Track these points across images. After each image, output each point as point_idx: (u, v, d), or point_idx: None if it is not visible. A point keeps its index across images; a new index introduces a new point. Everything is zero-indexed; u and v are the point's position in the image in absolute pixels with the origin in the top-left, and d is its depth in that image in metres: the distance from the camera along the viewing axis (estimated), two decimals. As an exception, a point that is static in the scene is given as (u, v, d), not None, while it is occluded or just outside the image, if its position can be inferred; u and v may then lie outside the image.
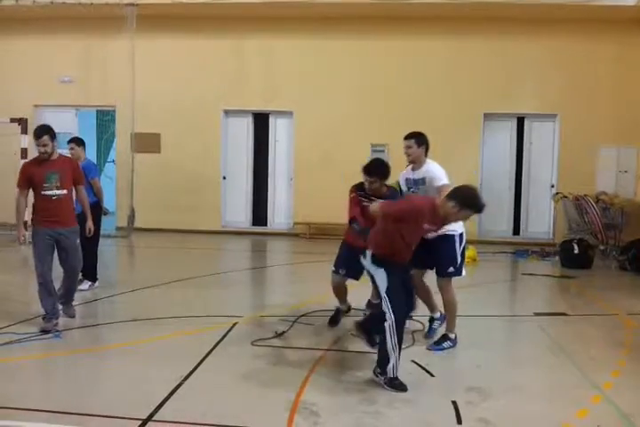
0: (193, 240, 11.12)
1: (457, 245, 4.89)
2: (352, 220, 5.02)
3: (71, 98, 11.91)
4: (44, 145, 5.12)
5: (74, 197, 5.45)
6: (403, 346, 4.98)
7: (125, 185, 11.61)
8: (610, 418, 3.75)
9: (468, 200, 4.01)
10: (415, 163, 5.05)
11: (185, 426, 3.53)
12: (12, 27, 11.69)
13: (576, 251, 9.07)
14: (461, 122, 11.05)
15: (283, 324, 5.54)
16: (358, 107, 11.43)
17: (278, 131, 12.13)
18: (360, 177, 5.12)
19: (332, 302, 5.63)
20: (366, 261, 4.23)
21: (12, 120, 10.06)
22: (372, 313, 4.66)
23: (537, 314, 6.19)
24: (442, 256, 4.89)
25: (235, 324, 5.57)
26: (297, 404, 3.83)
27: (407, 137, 5.09)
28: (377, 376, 4.15)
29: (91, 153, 12.04)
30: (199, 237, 11.42)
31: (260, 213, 12.28)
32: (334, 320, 5.47)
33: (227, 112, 12.00)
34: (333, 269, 5.32)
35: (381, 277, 4.12)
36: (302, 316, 5.78)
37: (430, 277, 5.15)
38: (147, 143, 11.74)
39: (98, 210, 6.60)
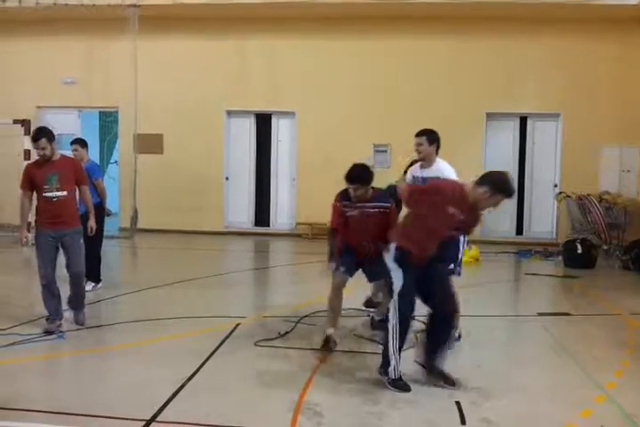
0: (196, 241, 11.13)
1: (460, 244, 4.87)
2: (334, 230, 4.98)
3: (74, 99, 11.93)
4: (43, 148, 5.10)
5: (77, 198, 5.41)
6: (405, 347, 5.02)
7: (128, 186, 11.62)
8: (613, 418, 3.74)
9: (499, 185, 3.89)
10: (425, 161, 4.95)
11: (188, 427, 3.54)
12: (14, 28, 11.72)
13: (579, 251, 9.06)
14: (464, 122, 11.04)
15: (286, 324, 5.54)
16: (360, 107, 11.43)
17: (281, 131, 12.13)
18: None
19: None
20: (388, 257, 4.12)
21: (15, 121, 10.09)
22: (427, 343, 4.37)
23: (540, 314, 6.18)
24: (444, 252, 4.79)
25: (238, 324, 5.58)
26: (300, 404, 3.83)
27: (418, 134, 4.98)
28: (381, 375, 4.15)
29: (93, 154, 12.05)
30: (202, 237, 11.43)
31: (262, 213, 12.28)
32: (327, 349, 4.85)
33: (229, 113, 12.01)
34: (334, 268, 4.99)
35: (397, 277, 4.04)
36: (305, 316, 5.78)
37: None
38: (149, 144, 11.75)
39: (101, 211, 6.61)
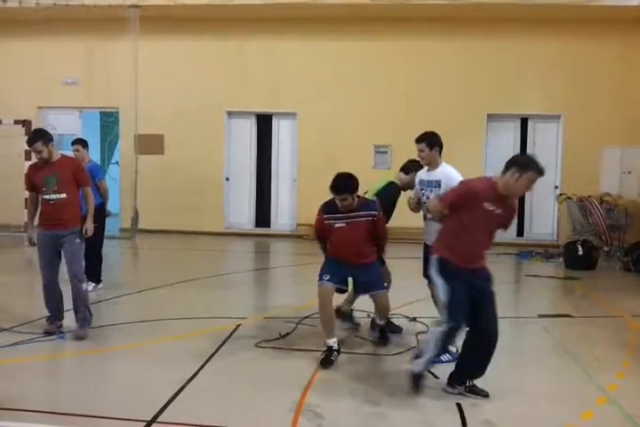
0: (196, 242, 11.13)
1: None
2: (320, 239, 4.94)
3: (75, 99, 11.94)
4: (39, 151, 5.06)
5: (80, 198, 5.31)
6: (408, 347, 5.02)
7: (129, 186, 11.62)
8: (614, 420, 3.74)
9: (524, 163, 3.81)
10: (430, 165, 4.88)
11: (189, 428, 3.54)
12: (15, 29, 11.73)
13: (580, 252, 9.05)
14: (465, 123, 11.03)
15: (286, 325, 5.53)
16: (361, 108, 11.43)
17: (281, 132, 12.13)
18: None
19: (335, 304, 5.59)
20: (431, 266, 4.00)
21: (16, 122, 10.09)
22: (461, 357, 4.21)
23: (541, 316, 6.17)
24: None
25: (238, 325, 5.57)
26: (301, 405, 3.83)
27: (418, 140, 4.86)
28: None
29: (94, 155, 12.03)
30: (202, 238, 11.42)
31: (263, 214, 12.28)
32: (329, 361, 4.60)
33: (230, 113, 12.01)
34: (318, 279, 4.75)
35: (442, 289, 3.90)
36: (306, 317, 5.76)
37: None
38: (150, 145, 11.75)
39: (102, 212, 6.61)
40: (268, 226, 12.22)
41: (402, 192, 5.33)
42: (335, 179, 4.66)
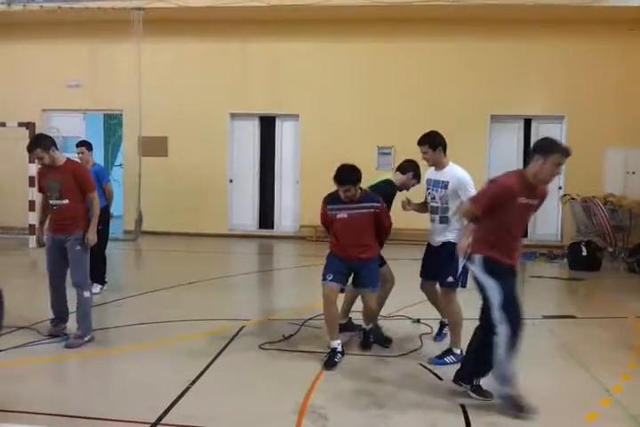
0: (200, 243, 11.15)
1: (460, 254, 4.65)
2: (326, 227, 4.95)
3: (78, 102, 11.98)
4: (40, 158, 5.03)
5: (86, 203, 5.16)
6: (411, 349, 5.01)
7: (133, 188, 11.64)
8: (619, 421, 3.73)
9: (546, 146, 3.77)
10: (437, 166, 4.81)
11: (193, 430, 3.54)
12: (20, 32, 11.77)
13: (584, 253, 9.03)
14: (468, 124, 11.02)
15: (290, 327, 5.54)
16: (364, 109, 11.44)
17: (284, 134, 12.15)
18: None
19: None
20: (476, 268, 3.87)
21: (20, 124, 10.12)
22: (467, 352, 4.13)
23: (545, 317, 6.15)
24: (441, 264, 4.71)
25: (242, 327, 5.58)
26: (305, 407, 3.83)
27: (420, 142, 4.79)
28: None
29: (98, 157, 12.10)
30: (206, 240, 11.44)
31: (266, 216, 12.29)
32: (332, 363, 4.59)
33: (233, 115, 12.03)
34: (322, 279, 4.75)
35: (493, 288, 3.77)
36: (310, 319, 5.76)
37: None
38: (154, 147, 11.78)
39: (106, 214, 6.62)
40: (272, 228, 12.22)
41: (397, 192, 5.20)
42: (339, 170, 4.67)
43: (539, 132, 11.48)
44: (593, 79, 10.94)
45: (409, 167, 5.21)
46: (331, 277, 4.70)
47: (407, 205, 5.00)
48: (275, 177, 12.20)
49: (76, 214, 5.09)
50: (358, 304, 5.22)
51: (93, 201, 5.13)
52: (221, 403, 3.93)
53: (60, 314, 5.28)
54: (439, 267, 4.75)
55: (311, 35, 11.44)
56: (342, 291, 4.88)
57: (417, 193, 5.19)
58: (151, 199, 11.56)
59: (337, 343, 4.69)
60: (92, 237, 5.07)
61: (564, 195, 10.59)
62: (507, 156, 11.48)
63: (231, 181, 12.11)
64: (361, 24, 11.14)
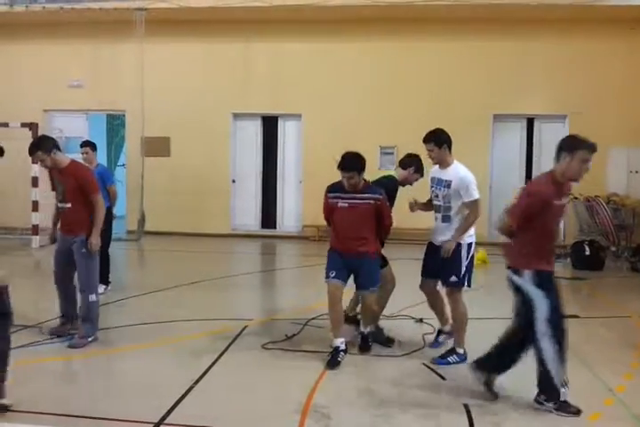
0: (203, 243, 11.16)
1: (462, 253, 4.69)
2: (328, 221, 4.94)
3: (81, 102, 11.99)
4: (41, 160, 5.02)
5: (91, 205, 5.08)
6: (414, 348, 5.01)
7: (135, 189, 11.66)
8: (622, 421, 3.73)
9: (570, 144, 3.76)
10: (441, 164, 4.78)
11: (196, 429, 3.55)
12: (22, 32, 11.80)
13: (587, 252, 9.02)
14: (470, 123, 11.00)
15: (293, 327, 5.54)
16: (367, 109, 11.43)
17: (287, 134, 12.15)
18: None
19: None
20: (525, 282, 3.78)
21: (23, 125, 10.14)
22: (497, 345, 4.02)
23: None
24: (445, 264, 4.69)
25: (245, 326, 5.59)
26: (308, 407, 3.84)
27: (425, 140, 4.74)
28: (541, 404, 3.85)
29: (101, 157, 12.07)
30: (209, 240, 11.45)
31: (269, 215, 12.30)
32: (335, 362, 4.60)
33: (235, 115, 12.04)
34: (325, 277, 4.76)
35: (541, 301, 3.72)
36: (312, 319, 5.77)
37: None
38: (156, 147, 11.79)
39: (109, 215, 6.61)
40: (275, 227, 12.23)
41: (399, 188, 5.18)
42: (343, 157, 4.67)
43: (541, 131, 11.48)
44: (596, 79, 10.91)
45: (410, 162, 5.19)
46: (334, 274, 4.69)
47: (414, 205, 4.98)
48: (277, 177, 12.21)
49: (80, 217, 5.04)
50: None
51: (96, 204, 5.03)
52: (225, 402, 3.94)
53: (66, 314, 5.29)
54: (442, 266, 4.73)
55: (313, 34, 11.44)
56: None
57: (421, 189, 5.17)
58: (154, 199, 11.58)
59: (340, 342, 4.69)
60: (95, 241, 5.00)
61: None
62: (509, 155, 11.48)
63: (234, 181, 12.12)
64: (363, 24, 11.13)
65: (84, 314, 5.09)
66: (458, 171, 4.70)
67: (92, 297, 5.08)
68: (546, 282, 3.77)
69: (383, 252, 5.08)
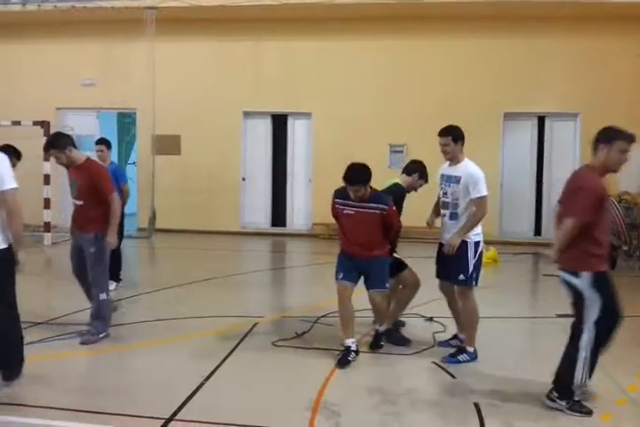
0: (213, 241, 11.19)
1: (469, 252, 4.64)
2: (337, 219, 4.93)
3: (92, 100, 12.06)
4: (56, 157, 5.03)
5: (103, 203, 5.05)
6: (423, 347, 5.00)
7: (146, 187, 11.72)
8: (634, 421, 3.71)
9: (607, 134, 3.70)
10: (453, 160, 4.75)
11: (207, 425, 3.56)
12: (33, 31, 11.87)
13: (599, 251, 8.94)
14: (481, 121, 10.95)
15: (303, 324, 5.56)
16: (377, 107, 11.41)
17: (297, 132, 12.16)
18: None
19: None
20: (583, 284, 3.69)
21: (35, 123, 10.22)
22: (564, 357, 3.90)
23: (559, 315, 6.10)
24: (452, 262, 4.67)
25: (255, 324, 5.60)
26: (318, 404, 3.85)
27: (442, 133, 4.69)
28: (554, 401, 3.82)
29: (112, 155, 12.14)
30: (219, 237, 11.48)
31: (279, 213, 12.32)
32: (345, 362, 4.58)
33: (246, 114, 12.06)
34: (335, 277, 4.80)
35: (596, 304, 3.66)
36: (322, 317, 5.78)
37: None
38: (167, 145, 11.84)
39: (121, 213, 6.64)
40: (284, 225, 12.25)
41: (407, 194, 5.17)
42: (348, 169, 4.62)
43: (553, 129, 11.41)
44: (607, 76, 10.83)
45: (415, 168, 5.18)
46: (341, 276, 4.73)
47: (431, 223, 5.00)
48: (287, 175, 12.22)
49: (91, 216, 5.03)
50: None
51: (112, 203, 4.98)
52: (235, 399, 3.95)
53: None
54: (450, 264, 4.71)
55: (323, 33, 11.43)
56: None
57: (425, 195, 5.16)
58: (164, 197, 11.63)
59: (351, 342, 4.69)
60: (111, 240, 5.00)
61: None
62: (520, 154, 11.42)
63: (244, 179, 12.14)
64: (373, 22, 11.11)
65: (95, 312, 5.13)
66: (468, 167, 4.69)
67: (103, 295, 5.11)
68: (603, 283, 3.70)
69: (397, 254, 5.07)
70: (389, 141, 11.36)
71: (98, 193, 4.99)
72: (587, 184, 3.71)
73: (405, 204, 5.15)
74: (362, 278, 4.86)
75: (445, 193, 4.78)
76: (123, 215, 6.90)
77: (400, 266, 5.10)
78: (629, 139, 3.70)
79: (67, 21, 11.62)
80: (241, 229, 12.02)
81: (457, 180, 4.67)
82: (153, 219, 11.52)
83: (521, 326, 6.02)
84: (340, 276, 4.74)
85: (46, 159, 9.96)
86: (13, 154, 5.23)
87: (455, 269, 4.67)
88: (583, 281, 3.70)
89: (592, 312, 3.68)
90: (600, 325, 3.68)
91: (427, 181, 5.21)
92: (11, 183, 3.86)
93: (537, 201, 11.46)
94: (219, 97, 11.79)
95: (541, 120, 11.45)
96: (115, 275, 6.89)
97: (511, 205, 11.32)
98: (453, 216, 4.73)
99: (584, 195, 3.66)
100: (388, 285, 4.81)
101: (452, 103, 10.99)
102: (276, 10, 10.83)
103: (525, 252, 10.13)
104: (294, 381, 4.30)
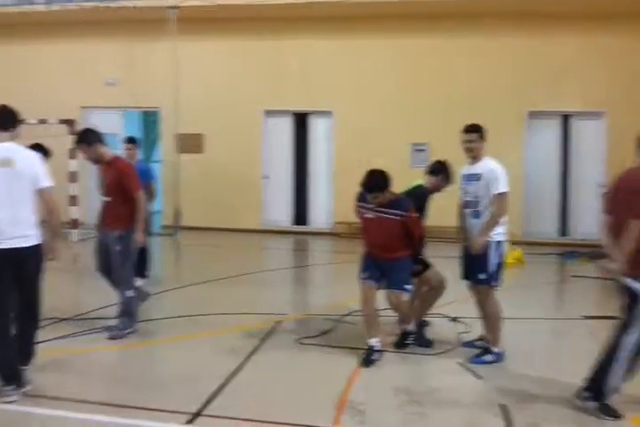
0: (236, 239, 11.25)
1: (491, 251, 4.60)
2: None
3: (116, 99, 12.18)
4: (85, 153, 5.10)
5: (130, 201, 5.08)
6: (448, 347, 4.97)
7: (171, 185, 11.83)
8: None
9: None
10: (475, 158, 4.72)
11: (233, 422, 3.59)
12: (58, 31, 12.03)
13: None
14: (505, 120, 10.83)
15: (326, 322, 5.57)
16: (398, 106, 11.35)
17: (318, 130, 12.16)
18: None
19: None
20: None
21: (61, 121, 10.38)
22: (599, 361, 3.84)
23: (586, 317, 6.04)
24: (473, 262, 4.64)
25: (279, 322, 5.62)
26: (344, 402, 3.85)
27: (469, 130, 4.67)
28: (584, 400, 3.77)
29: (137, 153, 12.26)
30: (242, 235, 11.54)
31: (300, 212, 12.33)
32: (370, 361, 4.57)
33: (267, 112, 12.09)
34: (358, 277, 4.81)
35: None
36: (346, 315, 5.78)
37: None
38: (190, 144, 11.93)
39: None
40: (306, 224, 12.26)
41: (431, 195, 5.12)
42: (366, 177, 4.61)
43: (578, 128, 11.25)
44: (633, 74, 10.62)
45: (440, 169, 5.11)
46: (364, 276, 4.74)
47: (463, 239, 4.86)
48: (308, 173, 12.23)
49: (117, 213, 5.08)
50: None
51: (138, 202, 5.02)
52: (260, 396, 3.97)
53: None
54: (471, 263, 4.69)
55: (345, 31, 11.39)
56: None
57: (449, 195, 5.13)
58: (188, 195, 11.73)
59: (375, 341, 4.67)
60: (138, 238, 5.05)
61: (606, 192, 10.33)
62: (544, 153, 11.27)
63: (266, 177, 12.18)
64: (395, 21, 11.05)
65: (121, 309, 5.19)
66: (488, 164, 4.68)
67: (129, 293, 5.17)
68: None
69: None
70: (411, 140, 11.29)
71: (125, 190, 5.04)
72: (635, 179, 3.66)
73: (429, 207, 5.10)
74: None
75: (467, 193, 4.76)
76: (148, 213, 6.97)
77: (423, 266, 5.07)
78: None
79: (90, 21, 11.75)
80: (263, 228, 12.06)
81: (477, 177, 4.65)
82: (178, 216, 11.63)
83: (547, 328, 5.95)
84: (364, 276, 4.74)
85: (72, 157, 10.10)
86: (44, 152, 5.31)
87: (476, 268, 4.64)
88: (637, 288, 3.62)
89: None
90: None
91: (451, 182, 5.16)
92: (47, 181, 3.94)
93: (563, 200, 11.30)
94: (240, 96, 11.83)
95: (566, 119, 11.29)
96: (140, 272, 6.95)
97: (536, 206, 11.17)
98: (476, 214, 4.70)
99: (636, 190, 3.60)
100: (408, 287, 4.73)
101: (476, 102, 10.87)
102: (298, 8, 10.83)
103: (551, 253, 9.99)
104: (319, 379, 4.31)
